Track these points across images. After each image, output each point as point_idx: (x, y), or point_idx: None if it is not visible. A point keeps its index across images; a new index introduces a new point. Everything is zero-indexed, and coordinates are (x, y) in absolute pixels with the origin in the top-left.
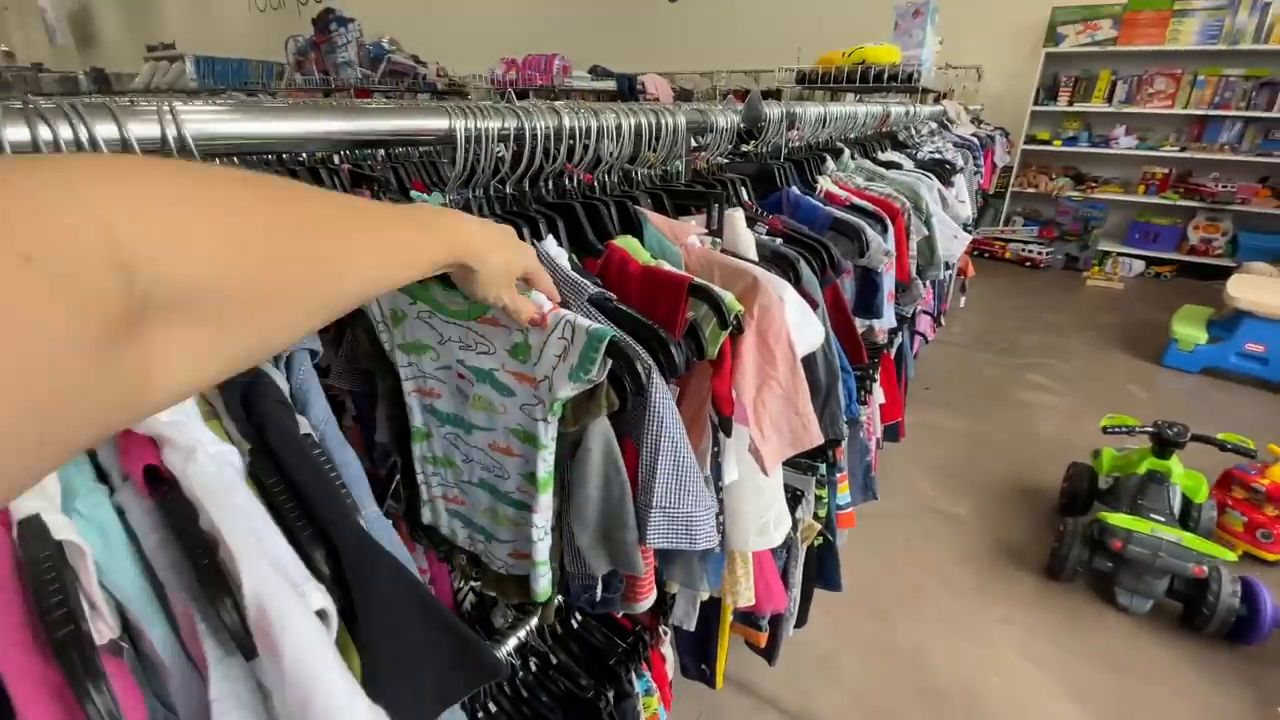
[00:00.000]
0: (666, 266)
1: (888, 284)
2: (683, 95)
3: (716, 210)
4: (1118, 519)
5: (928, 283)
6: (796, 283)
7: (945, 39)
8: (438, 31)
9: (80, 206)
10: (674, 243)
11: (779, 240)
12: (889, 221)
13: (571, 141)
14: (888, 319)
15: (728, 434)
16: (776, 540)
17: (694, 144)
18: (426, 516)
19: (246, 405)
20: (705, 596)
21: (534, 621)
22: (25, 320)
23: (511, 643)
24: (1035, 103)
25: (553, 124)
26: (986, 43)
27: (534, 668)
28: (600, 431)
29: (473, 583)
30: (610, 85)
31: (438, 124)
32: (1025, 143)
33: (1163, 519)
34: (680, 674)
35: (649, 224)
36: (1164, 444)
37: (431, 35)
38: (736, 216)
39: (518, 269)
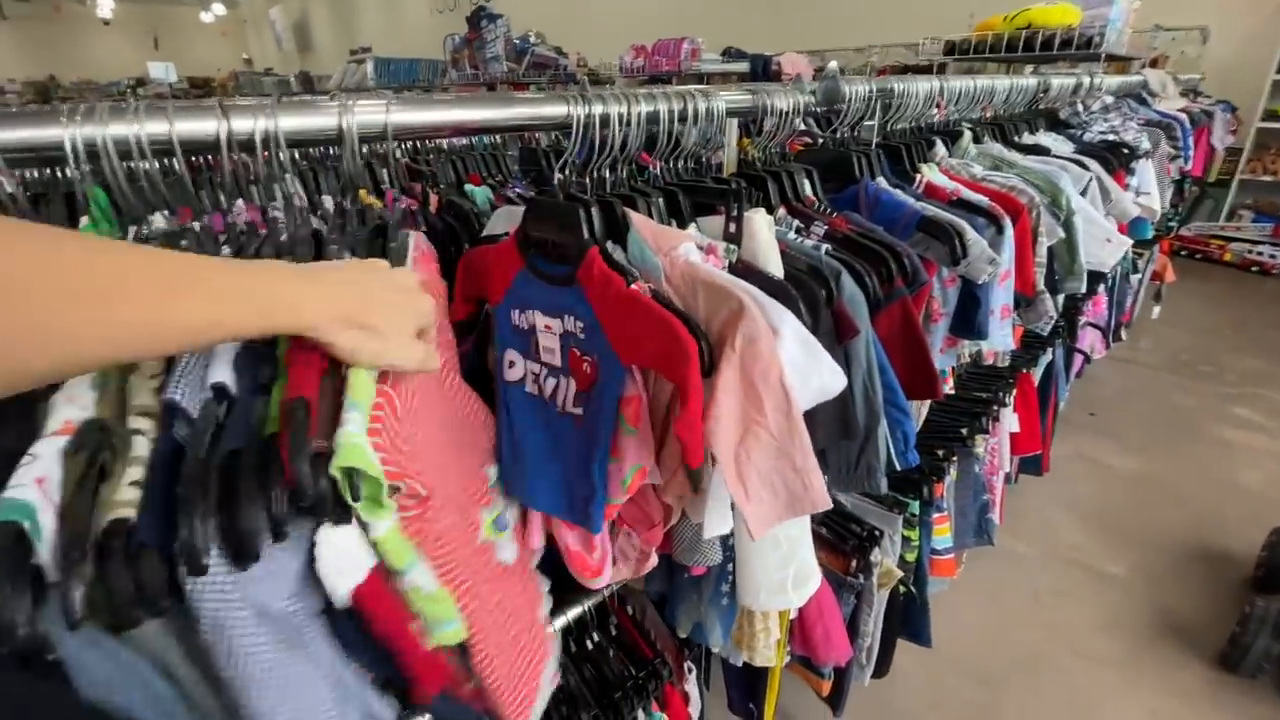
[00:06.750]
0: (649, 289)
1: (998, 298)
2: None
3: (736, 210)
4: None
5: (1063, 297)
6: (828, 302)
7: None
8: (582, 23)
9: None
10: (656, 253)
11: (824, 247)
12: (1006, 221)
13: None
14: (998, 340)
15: (694, 489)
16: (796, 601)
17: (801, 128)
18: None
19: None
20: (717, 649)
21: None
22: None
23: None
24: (1278, 71)
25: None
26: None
27: None
28: None
29: None
30: (743, 67)
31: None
32: (1262, 119)
33: None
34: (727, 709)
35: (634, 229)
36: None
37: (576, 27)
38: (757, 218)
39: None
